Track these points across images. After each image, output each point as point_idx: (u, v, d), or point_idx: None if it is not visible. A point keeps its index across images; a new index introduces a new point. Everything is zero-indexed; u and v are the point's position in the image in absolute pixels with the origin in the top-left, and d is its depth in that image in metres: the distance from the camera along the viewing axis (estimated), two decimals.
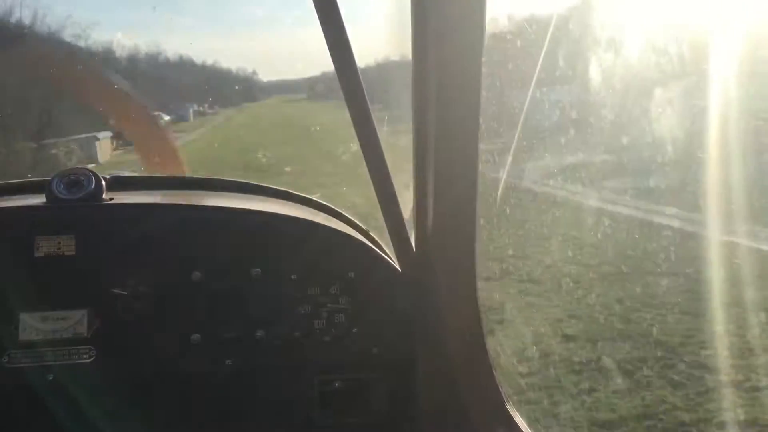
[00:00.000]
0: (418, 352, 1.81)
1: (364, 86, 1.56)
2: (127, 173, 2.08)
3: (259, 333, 1.73)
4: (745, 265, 6.21)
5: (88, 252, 1.66)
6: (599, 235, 7.82)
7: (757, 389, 5.00)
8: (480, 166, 1.61)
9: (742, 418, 4.79)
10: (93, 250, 1.67)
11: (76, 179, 1.72)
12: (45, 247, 1.64)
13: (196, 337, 1.70)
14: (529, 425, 1.74)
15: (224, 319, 1.72)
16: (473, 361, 1.74)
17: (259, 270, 1.73)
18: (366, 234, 1.97)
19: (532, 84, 2.37)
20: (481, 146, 1.60)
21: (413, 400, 1.84)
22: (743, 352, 5.47)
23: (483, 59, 1.51)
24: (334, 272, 1.77)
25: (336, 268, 1.77)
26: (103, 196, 1.74)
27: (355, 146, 1.68)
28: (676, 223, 7.58)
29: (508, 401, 1.76)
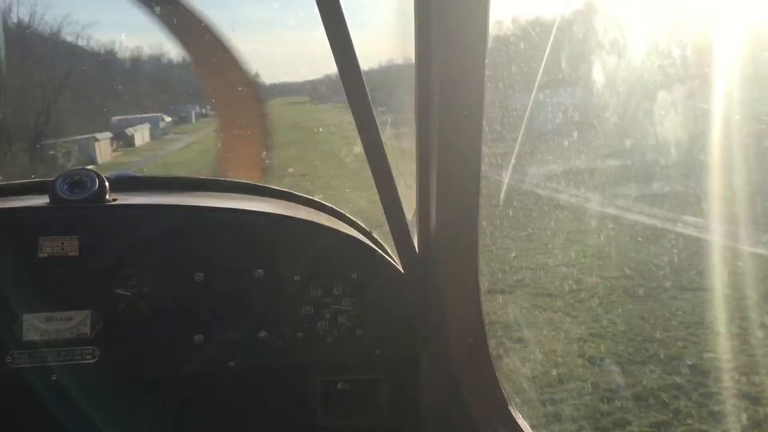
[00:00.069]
0: (421, 353, 1.81)
1: (367, 89, 1.57)
2: (130, 174, 2.08)
3: (262, 334, 1.73)
4: None
5: (92, 252, 1.66)
6: (615, 245, 7.51)
7: None
8: (483, 168, 1.62)
9: None
10: (96, 251, 1.67)
11: (80, 180, 1.73)
12: (48, 247, 1.65)
13: (199, 337, 1.70)
14: (531, 426, 1.74)
15: (227, 320, 1.72)
16: (475, 362, 1.74)
17: (261, 271, 1.73)
18: (369, 235, 1.97)
19: (535, 86, 2.37)
20: (484, 148, 1.60)
21: (416, 400, 1.84)
22: None
23: (486, 62, 1.51)
24: (337, 273, 1.77)
25: (339, 270, 1.78)
26: (107, 196, 1.74)
27: (358, 148, 1.68)
28: (695, 233, 7.17)
29: (510, 402, 1.76)
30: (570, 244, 7.84)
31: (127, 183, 1.96)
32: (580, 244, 7.87)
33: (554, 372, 5.37)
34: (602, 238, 7.68)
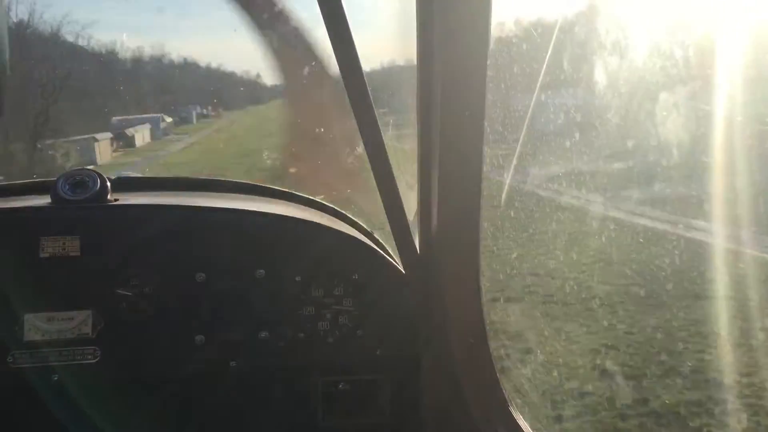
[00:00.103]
0: (422, 353, 1.81)
1: (369, 89, 1.57)
2: (132, 174, 2.08)
3: (263, 334, 1.73)
4: None
5: (93, 253, 1.67)
6: (624, 250, 7.16)
7: None
8: (484, 169, 1.61)
9: None
10: (98, 251, 1.67)
11: (81, 180, 1.73)
12: (50, 247, 1.65)
13: (200, 338, 1.70)
14: (532, 427, 1.74)
15: (228, 320, 1.72)
16: (476, 363, 1.74)
17: (263, 271, 1.73)
18: (370, 236, 1.97)
19: (537, 87, 2.37)
20: (486, 149, 1.60)
21: (417, 401, 1.84)
22: None
23: (488, 62, 1.51)
24: (338, 274, 1.77)
25: (340, 270, 1.78)
26: (108, 197, 1.74)
27: (360, 149, 1.68)
28: (706, 238, 6.66)
29: (511, 403, 1.76)
30: (577, 248, 7.57)
31: (128, 183, 1.96)
32: (587, 248, 7.59)
33: (567, 386, 5.12)
34: (610, 242, 7.39)
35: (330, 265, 1.78)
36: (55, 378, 1.64)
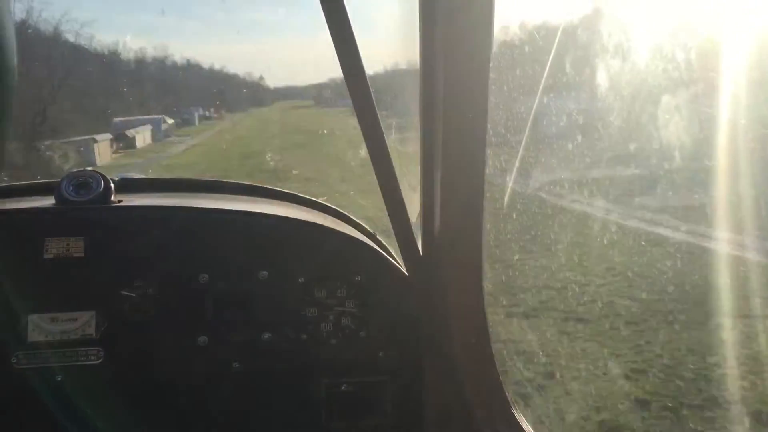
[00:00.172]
0: (425, 355, 1.81)
1: (372, 92, 1.57)
2: (135, 175, 2.09)
3: (266, 336, 1.73)
4: None
5: (97, 254, 1.67)
6: (644, 262, 6.63)
7: None
8: (488, 172, 1.62)
9: None
10: (101, 252, 1.68)
11: (85, 181, 1.74)
12: (54, 248, 1.65)
13: (203, 339, 1.71)
14: (534, 428, 1.74)
15: (231, 321, 1.72)
16: (479, 365, 1.74)
17: (266, 273, 1.74)
18: (373, 237, 1.97)
19: (540, 90, 2.37)
20: (489, 151, 1.61)
21: (419, 403, 1.84)
22: None
23: (491, 65, 1.52)
24: (341, 275, 1.78)
25: (343, 272, 1.78)
26: (112, 198, 1.75)
27: (363, 152, 1.68)
28: (733, 250, 5.97)
29: (514, 405, 1.76)
30: (594, 259, 7.11)
31: (132, 184, 1.96)
32: (602, 258, 7.08)
33: (597, 417, 4.66)
34: (630, 253, 6.91)
35: (333, 267, 1.78)
36: (59, 378, 1.65)
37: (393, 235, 1.78)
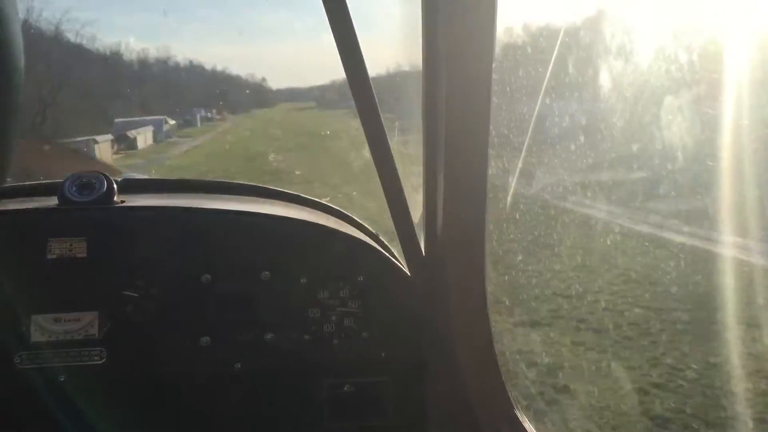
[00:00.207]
0: (427, 356, 1.81)
1: (374, 92, 1.57)
2: (138, 176, 2.09)
3: (269, 336, 1.73)
4: None
5: (100, 254, 1.67)
6: (657, 268, 6.33)
7: None
8: (490, 172, 1.62)
9: None
10: (104, 253, 1.68)
11: (88, 182, 1.74)
12: (57, 249, 1.65)
13: (205, 339, 1.71)
14: (537, 430, 1.73)
15: (234, 321, 1.73)
16: (482, 366, 1.74)
17: (268, 273, 1.74)
18: (376, 238, 1.97)
19: (542, 90, 2.37)
20: (491, 152, 1.61)
21: (422, 403, 1.84)
22: None
23: (493, 65, 1.52)
24: (344, 276, 1.78)
25: (346, 272, 1.78)
26: (115, 198, 1.75)
27: (366, 154, 1.69)
28: (747, 256, 5.48)
29: (517, 406, 1.76)
30: (604, 265, 6.74)
31: (135, 185, 1.97)
32: (614, 264, 6.73)
33: None
34: (640, 259, 6.59)
35: (335, 267, 1.78)
36: (62, 379, 1.65)
37: (395, 237, 1.78)
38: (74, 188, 1.73)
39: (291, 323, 1.75)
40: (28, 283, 1.65)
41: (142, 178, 2.09)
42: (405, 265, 1.82)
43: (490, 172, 1.62)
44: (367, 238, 1.92)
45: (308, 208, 2.05)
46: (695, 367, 5.07)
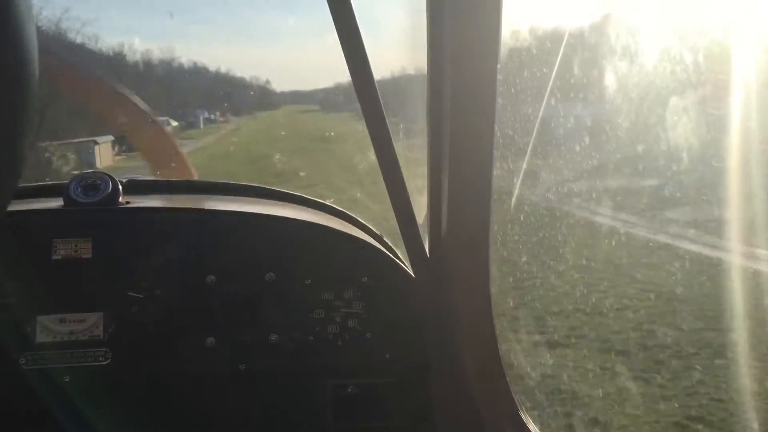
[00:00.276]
0: (432, 357, 1.81)
1: (380, 94, 1.58)
2: (143, 177, 2.10)
3: (273, 337, 1.73)
4: None
5: (105, 255, 1.68)
6: (682, 282, 5.79)
7: None
8: (495, 173, 1.62)
9: None
10: (109, 254, 1.68)
11: (93, 183, 1.75)
12: (62, 249, 1.66)
13: (210, 340, 1.71)
14: (542, 431, 1.73)
15: (239, 322, 1.73)
16: (487, 368, 1.74)
17: (273, 274, 1.74)
18: (379, 239, 1.97)
19: (547, 91, 2.37)
20: (496, 153, 1.60)
21: (426, 405, 1.84)
22: None
23: (498, 66, 1.52)
24: (348, 277, 1.78)
25: (350, 273, 1.78)
26: (120, 199, 1.76)
27: (370, 156, 1.69)
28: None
29: (522, 408, 1.76)
30: (625, 278, 6.24)
31: (140, 186, 1.97)
32: (634, 278, 6.21)
33: None
34: (664, 271, 6.07)
35: (340, 269, 1.78)
36: (67, 380, 1.65)
37: (400, 238, 1.78)
38: (79, 189, 1.73)
39: (295, 324, 1.75)
40: (34, 284, 1.66)
41: (147, 179, 2.10)
42: (409, 266, 1.82)
43: (494, 173, 1.62)
44: (372, 239, 1.92)
45: (312, 210, 2.05)
46: (736, 397, 4.58)
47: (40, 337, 1.64)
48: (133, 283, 1.68)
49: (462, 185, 1.61)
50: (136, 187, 1.92)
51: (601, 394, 4.77)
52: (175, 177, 2.50)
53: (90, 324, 1.66)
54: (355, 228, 1.99)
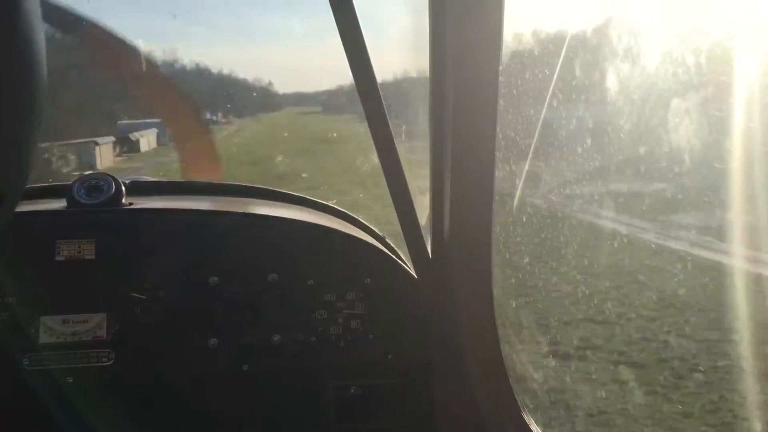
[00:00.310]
0: (434, 358, 1.81)
1: (382, 95, 1.58)
2: (146, 178, 2.11)
3: (276, 338, 1.74)
4: None
5: (108, 256, 1.68)
6: (692, 290, 5.59)
7: None
8: (497, 175, 1.62)
9: None
10: (112, 254, 1.69)
11: (97, 184, 1.75)
12: (65, 250, 1.66)
13: (213, 341, 1.71)
14: None
15: (241, 323, 1.73)
16: (489, 368, 1.74)
17: (276, 275, 1.74)
18: (382, 240, 1.97)
19: (549, 93, 2.37)
20: (498, 154, 1.61)
21: (428, 406, 1.84)
22: None
23: (500, 67, 1.52)
24: (351, 278, 1.78)
25: (352, 274, 1.78)
26: (123, 200, 1.76)
27: (372, 158, 1.69)
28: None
29: (524, 409, 1.76)
30: (635, 286, 5.96)
31: (143, 187, 1.98)
32: (644, 285, 5.95)
33: None
34: (677, 280, 5.79)
35: (342, 270, 1.78)
36: (70, 380, 1.66)
37: (402, 239, 1.78)
38: (83, 190, 1.74)
39: (298, 325, 1.75)
40: (37, 285, 1.66)
41: (150, 181, 2.10)
42: (412, 268, 1.82)
43: (496, 174, 1.62)
44: (374, 240, 1.93)
45: (315, 211, 2.06)
46: (761, 414, 4.32)
47: (44, 338, 1.65)
48: (137, 284, 1.68)
49: (464, 186, 1.61)
50: (138, 189, 1.92)
51: (617, 411, 4.57)
52: (203, 173, 2.51)
53: (93, 325, 1.67)
54: (358, 229, 1.99)
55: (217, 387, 1.77)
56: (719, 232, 6.15)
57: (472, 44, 1.50)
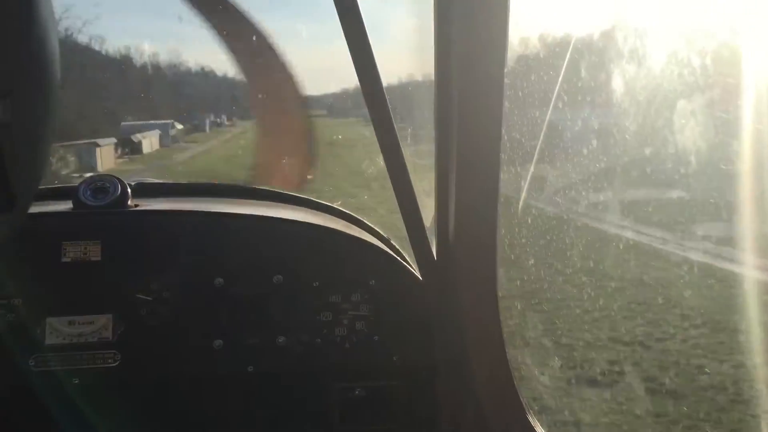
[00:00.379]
0: (439, 360, 1.81)
1: (387, 98, 1.58)
2: (151, 180, 2.11)
3: (281, 339, 1.74)
4: None
5: (114, 258, 1.69)
6: (725, 309, 5.21)
7: None
8: (501, 177, 1.62)
9: None
10: (118, 256, 1.69)
11: (102, 186, 1.76)
12: (71, 252, 1.67)
13: (218, 342, 1.71)
14: None
15: (246, 325, 1.73)
16: (494, 370, 1.73)
17: (281, 276, 1.74)
18: (387, 242, 1.97)
19: (554, 95, 2.37)
20: (503, 156, 1.61)
21: (433, 408, 1.84)
22: None
23: (506, 70, 1.52)
24: (356, 280, 1.78)
25: (357, 276, 1.78)
26: (129, 202, 1.77)
27: (378, 161, 1.69)
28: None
29: (529, 411, 1.75)
30: (662, 302, 5.60)
31: (148, 189, 1.98)
32: (671, 301, 5.56)
33: None
34: (706, 297, 5.47)
35: (347, 271, 1.79)
36: (76, 381, 1.66)
37: (407, 241, 1.78)
38: (89, 192, 1.75)
39: (303, 326, 1.75)
40: (43, 286, 1.67)
41: (155, 182, 2.11)
42: (417, 269, 1.82)
43: (502, 176, 1.62)
44: (379, 242, 1.93)
45: (320, 212, 2.06)
46: None
47: (50, 339, 1.65)
48: (142, 286, 1.69)
49: (469, 189, 1.61)
50: (144, 190, 1.93)
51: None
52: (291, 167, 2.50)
53: (99, 326, 1.67)
54: (363, 231, 1.99)
55: (222, 388, 1.77)
56: (728, 240, 5.94)
57: (478, 47, 1.50)
